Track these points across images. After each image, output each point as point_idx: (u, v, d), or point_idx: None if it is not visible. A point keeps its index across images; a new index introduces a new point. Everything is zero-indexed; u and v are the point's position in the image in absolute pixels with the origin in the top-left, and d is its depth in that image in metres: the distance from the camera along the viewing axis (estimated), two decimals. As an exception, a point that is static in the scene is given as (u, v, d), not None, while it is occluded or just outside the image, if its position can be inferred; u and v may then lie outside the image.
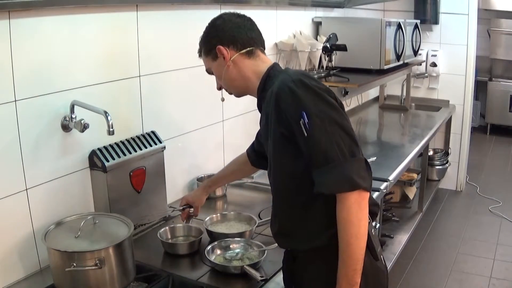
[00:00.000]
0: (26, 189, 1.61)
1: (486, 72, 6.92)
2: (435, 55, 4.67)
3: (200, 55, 1.57)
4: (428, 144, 3.77)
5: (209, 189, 2.02)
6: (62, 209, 1.72)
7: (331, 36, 2.93)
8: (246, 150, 1.92)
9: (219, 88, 1.60)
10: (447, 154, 4.74)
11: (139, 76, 2.02)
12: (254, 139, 1.89)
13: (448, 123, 4.68)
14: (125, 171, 1.88)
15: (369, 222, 1.37)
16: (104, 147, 1.84)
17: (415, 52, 3.86)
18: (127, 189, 1.90)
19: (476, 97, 6.54)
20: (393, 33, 3.32)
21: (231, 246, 1.78)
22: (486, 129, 6.98)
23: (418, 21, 3.86)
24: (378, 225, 1.55)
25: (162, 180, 2.08)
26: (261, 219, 2.06)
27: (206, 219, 1.95)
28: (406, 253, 3.58)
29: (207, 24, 1.53)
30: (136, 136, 1.99)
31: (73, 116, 1.69)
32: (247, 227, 1.94)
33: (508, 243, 3.82)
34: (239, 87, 1.54)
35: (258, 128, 1.69)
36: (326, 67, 3.08)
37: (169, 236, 1.89)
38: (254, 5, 2.62)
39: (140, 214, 1.96)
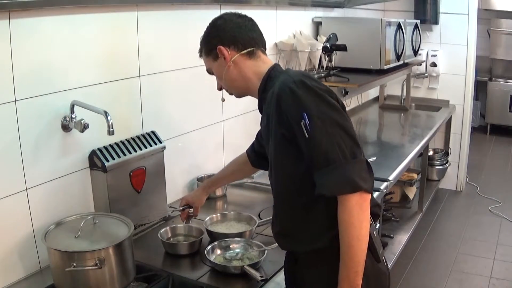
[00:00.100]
0: (26, 189, 1.61)
1: (486, 72, 6.92)
2: (435, 55, 4.67)
3: (200, 55, 1.57)
4: (428, 144, 3.77)
5: (208, 189, 2.02)
6: (62, 209, 1.72)
7: (331, 36, 2.93)
8: (246, 151, 1.92)
9: (220, 89, 1.59)
10: (447, 154, 4.74)
11: (139, 76, 2.02)
12: (254, 139, 1.89)
13: (448, 123, 4.68)
14: (125, 171, 1.88)
15: (370, 224, 1.37)
16: (104, 147, 1.84)
17: (415, 52, 3.86)
18: (127, 189, 1.90)
19: (476, 97, 6.54)
20: (393, 33, 3.32)
21: (231, 246, 1.78)
22: (486, 129, 6.98)
23: (418, 21, 3.86)
24: (378, 225, 1.55)
25: (162, 180, 2.08)
26: (261, 219, 2.06)
27: (206, 219, 1.95)
28: (406, 253, 3.58)
29: (208, 24, 1.52)
30: (136, 136, 1.99)
31: (73, 116, 1.69)
32: (247, 227, 1.94)
33: (508, 243, 3.82)
34: (239, 88, 1.54)
35: (258, 128, 1.69)
36: (326, 67, 3.08)
37: (170, 236, 1.89)
38: (254, 5, 2.62)
39: (140, 214, 1.96)
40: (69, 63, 1.71)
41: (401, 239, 3.58)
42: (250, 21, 1.51)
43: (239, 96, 1.58)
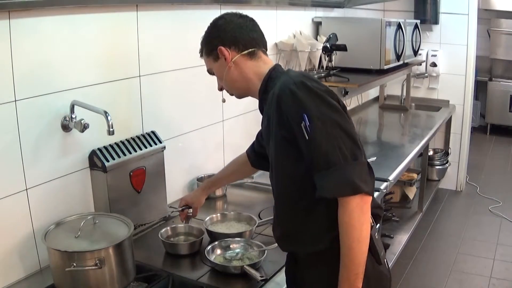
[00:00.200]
0: (26, 189, 1.61)
1: (486, 72, 6.92)
2: (435, 55, 4.67)
3: (201, 55, 1.56)
4: (428, 144, 3.77)
5: (208, 190, 2.02)
6: (62, 209, 1.72)
7: (331, 36, 2.93)
8: (246, 151, 1.92)
9: (220, 89, 1.59)
10: (447, 154, 4.74)
11: (139, 76, 2.02)
12: (254, 139, 1.89)
13: (448, 123, 4.68)
14: (125, 171, 1.88)
15: (372, 226, 1.36)
16: (104, 147, 1.84)
17: (415, 52, 3.86)
18: (127, 189, 1.90)
19: (476, 97, 6.54)
20: (393, 33, 3.32)
21: (231, 246, 1.78)
22: (486, 129, 6.98)
23: (418, 21, 3.86)
24: (378, 225, 1.53)
25: (162, 180, 2.08)
26: (261, 219, 2.06)
27: (206, 219, 1.95)
28: (406, 253, 3.58)
29: (208, 24, 1.52)
30: (136, 136, 1.99)
31: (73, 116, 1.69)
32: (247, 227, 1.94)
33: (508, 243, 3.82)
34: (240, 89, 1.53)
35: (258, 128, 1.69)
36: (326, 67, 3.08)
37: (170, 236, 1.89)
38: (254, 5, 2.62)
39: (140, 214, 1.96)
40: (69, 63, 1.71)
41: (401, 239, 3.58)
42: (251, 21, 1.50)
43: (239, 97, 1.58)
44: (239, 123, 2.68)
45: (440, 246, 3.82)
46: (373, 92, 4.67)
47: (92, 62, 1.80)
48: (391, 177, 2.58)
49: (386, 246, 1.54)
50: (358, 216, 1.26)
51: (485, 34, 6.56)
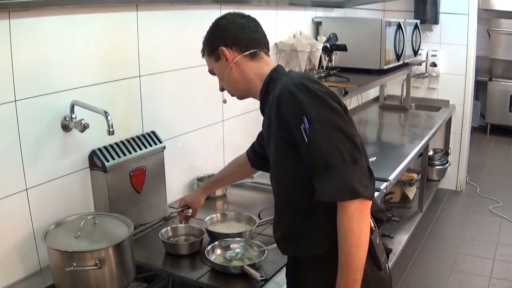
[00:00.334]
0: (26, 189, 1.61)
1: (486, 72, 6.93)
2: (435, 55, 4.67)
3: (203, 55, 1.55)
4: (428, 144, 3.77)
5: (208, 190, 2.02)
6: (62, 209, 1.72)
7: (331, 36, 2.93)
8: (246, 151, 1.92)
9: (222, 90, 1.57)
10: (447, 154, 4.74)
11: (139, 76, 2.02)
12: (254, 139, 1.89)
13: (448, 123, 4.68)
14: (125, 171, 1.88)
15: (374, 230, 1.35)
16: (104, 147, 1.84)
17: (415, 52, 3.86)
18: (127, 189, 1.90)
19: (476, 97, 6.54)
20: (393, 33, 3.32)
21: (231, 246, 1.78)
22: (486, 129, 6.98)
23: (418, 21, 3.86)
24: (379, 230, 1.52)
25: (162, 180, 2.08)
26: (261, 219, 2.06)
27: (206, 219, 1.95)
28: (406, 253, 3.58)
29: (211, 24, 1.51)
30: (136, 136, 1.99)
31: (73, 116, 1.69)
32: (247, 227, 1.94)
33: (508, 243, 3.82)
34: (241, 90, 1.52)
35: (258, 128, 1.69)
36: (326, 67, 3.08)
37: (170, 236, 1.89)
38: (254, 5, 2.62)
39: (140, 214, 1.96)
40: (69, 63, 1.71)
41: (401, 239, 3.58)
42: (254, 21, 1.49)
43: (241, 98, 1.57)
44: (239, 123, 2.68)
45: (440, 246, 3.82)
46: (373, 92, 4.67)
47: (92, 62, 1.80)
48: (391, 177, 2.58)
49: (388, 251, 1.51)
50: (357, 221, 1.24)
51: (485, 34, 6.56)
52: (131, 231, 1.54)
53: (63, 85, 1.70)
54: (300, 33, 3.13)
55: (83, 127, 1.68)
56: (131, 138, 1.96)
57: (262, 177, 2.42)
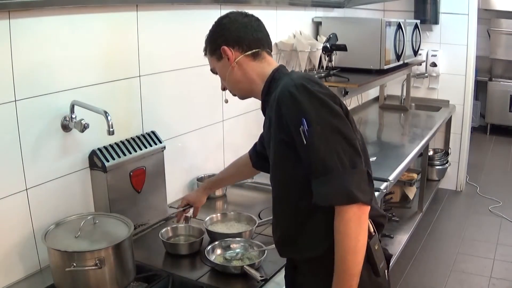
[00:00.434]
0: (26, 189, 1.61)
1: (486, 72, 6.93)
2: (435, 55, 4.67)
3: (205, 54, 1.53)
4: (428, 144, 3.77)
5: (209, 190, 2.02)
6: (62, 209, 1.72)
7: (331, 36, 2.93)
8: (248, 152, 1.91)
9: (224, 89, 1.56)
10: (447, 154, 4.74)
11: (139, 76, 2.02)
12: (254, 139, 1.88)
13: (448, 123, 4.68)
14: (125, 171, 1.88)
15: (373, 235, 1.34)
16: (104, 147, 1.84)
17: (415, 52, 3.86)
18: (127, 189, 1.90)
19: (476, 97, 6.54)
20: (393, 33, 3.32)
21: (231, 246, 1.78)
22: (486, 129, 6.98)
23: (418, 21, 3.86)
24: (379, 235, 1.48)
25: (162, 180, 2.08)
26: (261, 219, 2.06)
27: (206, 219, 1.95)
28: (406, 253, 3.58)
29: (213, 23, 1.50)
30: (136, 136, 1.99)
31: (73, 116, 1.69)
32: (247, 227, 1.94)
33: (508, 243, 3.82)
34: (243, 89, 1.50)
35: (258, 128, 1.69)
36: (326, 67, 3.08)
37: (170, 236, 1.89)
38: (254, 5, 2.62)
39: (140, 214, 1.96)
40: (69, 63, 1.71)
41: (401, 239, 3.58)
42: (257, 21, 1.47)
43: (242, 97, 1.55)
44: (239, 123, 2.68)
45: (440, 246, 3.82)
46: (373, 92, 4.67)
47: (92, 62, 1.80)
48: (391, 177, 2.58)
49: (388, 257, 1.50)
50: (354, 226, 1.22)
51: (485, 34, 6.56)
52: (131, 231, 1.54)
53: (63, 85, 1.70)
54: (300, 33, 3.13)
55: (83, 127, 1.68)
56: (131, 138, 1.96)
57: (262, 177, 2.42)
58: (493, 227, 4.09)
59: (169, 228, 1.90)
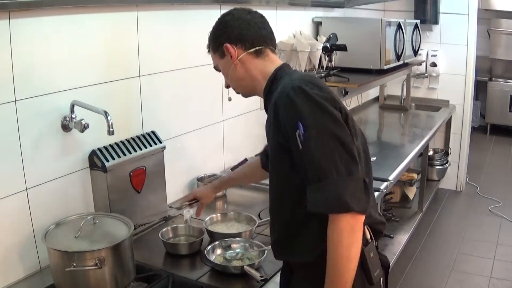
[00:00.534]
0: (26, 189, 1.61)
1: (486, 72, 6.92)
2: (435, 55, 4.67)
3: (208, 51, 1.52)
4: (428, 144, 3.77)
5: (218, 189, 2.02)
6: (62, 209, 1.72)
7: (331, 36, 2.93)
8: (259, 152, 1.89)
9: (227, 87, 1.54)
10: (447, 154, 4.74)
11: (139, 76, 2.02)
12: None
13: (448, 123, 4.68)
14: (125, 171, 1.88)
15: (369, 242, 1.32)
16: (104, 147, 1.84)
17: (415, 52, 3.86)
18: (127, 189, 1.90)
19: (476, 97, 6.54)
20: (393, 33, 3.32)
21: (231, 246, 1.78)
22: (486, 129, 6.98)
23: (418, 21, 3.86)
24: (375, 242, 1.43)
25: (162, 180, 2.08)
26: (261, 219, 2.06)
27: (206, 219, 1.95)
28: (406, 253, 3.58)
29: (214, 21, 1.49)
30: (136, 136, 1.99)
31: (73, 116, 1.69)
32: (247, 227, 1.94)
33: (508, 243, 3.82)
34: (246, 87, 1.49)
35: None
36: (326, 67, 3.08)
37: (170, 236, 1.89)
38: (254, 5, 2.62)
39: (140, 214, 1.96)
40: (69, 63, 1.71)
41: (401, 239, 3.58)
42: (260, 17, 1.45)
43: (245, 95, 1.53)
44: (239, 123, 2.68)
45: (440, 246, 3.82)
46: (373, 92, 4.67)
47: (92, 62, 1.80)
48: (391, 177, 2.58)
49: (386, 265, 1.44)
50: (348, 235, 1.19)
51: (485, 34, 6.56)
52: (131, 231, 1.54)
53: (63, 85, 1.70)
54: (300, 33, 3.13)
55: (83, 127, 1.68)
56: (131, 138, 1.96)
57: (262, 177, 2.42)
58: (493, 227, 4.09)
59: (169, 228, 1.90)
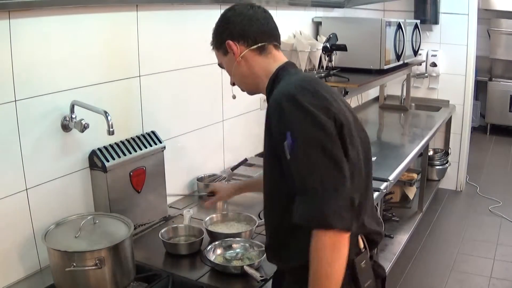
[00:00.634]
0: (26, 189, 1.61)
1: (486, 72, 6.93)
2: (435, 55, 4.67)
3: (212, 48, 1.49)
4: (428, 144, 3.77)
5: (240, 190, 2.01)
6: (62, 209, 1.72)
7: (331, 36, 2.93)
8: None
9: (233, 84, 1.50)
10: (447, 154, 4.74)
11: (139, 76, 2.02)
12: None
13: (448, 123, 4.68)
14: (125, 171, 1.88)
15: (362, 252, 1.29)
16: (104, 147, 1.84)
17: (415, 52, 3.86)
18: (127, 189, 1.90)
19: (476, 97, 6.54)
20: (393, 33, 3.32)
21: (231, 246, 1.78)
22: (486, 129, 6.98)
23: (418, 21, 3.86)
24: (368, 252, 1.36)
25: (162, 180, 2.08)
26: (261, 219, 2.05)
27: (206, 219, 1.95)
28: (406, 253, 3.58)
29: (214, 21, 1.47)
30: (136, 136, 1.99)
31: (73, 116, 1.69)
32: (247, 227, 1.94)
33: (508, 243, 3.82)
34: (249, 85, 1.46)
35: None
36: (326, 67, 3.08)
37: (170, 236, 1.89)
38: (254, 5, 2.62)
39: (140, 214, 1.96)
40: (69, 63, 1.71)
41: (401, 239, 3.58)
42: (264, 12, 1.41)
43: (250, 93, 1.50)
44: (239, 123, 2.68)
45: (440, 246, 3.82)
46: (373, 92, 4.67)
47: (92, 62, 1.80)
48: (391, 177, 2.58)
49: (381, 275, 1.40)
50: (329, 253, 1.14)
51: (485, 34, 6.56)
52: (131, 231, 1.54)
53: (63, 85, 1.70)
54: (300, 33, 3.13)
55: (83, 127, 1.68)
56: (131, 138, 1.96)
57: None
58: (493, 227, 4.09)
59: (169, 228, 1.90)
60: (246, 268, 1.61)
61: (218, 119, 2.55)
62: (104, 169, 1.79)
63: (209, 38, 1.48)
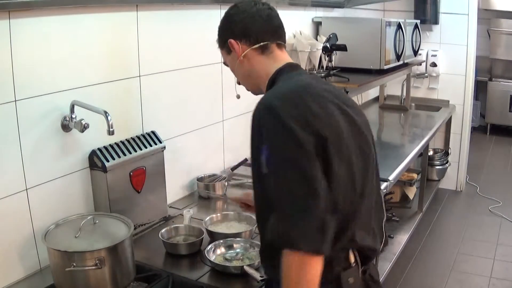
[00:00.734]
0: (26, 189, 1.61)
1: (486, 72, 6.92)
2: (435, 55, 4.67)
3: (218, 46, 1.46)
4: (428, 144, 3.77)
5: None
6: (62, 209, 1.72)
7: (331, 36, 2.93)
8: None
9: (239, 83, 1.48)
10: (447, 154, 4.74)
11: (139, 76, 2.02)
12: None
13: (448, 123, 4.68)
14: (125, 171, 1.88)
15: (352, 267, 1.24)
16: (104, 147, 1.84)
17: (415, 52, 3.86)
18: (127, 189, 1.90)
19: (476, 97, 6.54)
20: (393, 33, 3.32)
21: (231, 246, 1.78)
22: (486, 129, 6.98)
23: (418, 21, 3.86)
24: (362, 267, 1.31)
25: (162, 180, 2.08)
26: (261, 219, 2.06)
27: (206, 219, 1.95)
28: (406, 253, 3.58)
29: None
30: (136, 136, 1.99)
31: (73, 116, 1.69)
32: (247, 227, 1.94)
33: (508, 243, 3.82)
34: (252, 84, 1.43)
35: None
36: (326, 67, 3.08)
37: (170, 236, 1.89)
38: (254, 5, 2.62)
39: (140, 214, 1.96)
40: (69, 63, 1.71)
41: (401, 239, 3.58)
42: (268, 10, 1.39)
43: (254, 92, 1.46)
44: (239, 123, 2.68)
45: (440, 246, 3.82)
46: (373, 92, 4.67)
47: (92, 62, 1.80)
48: (391, 177, 2.58)
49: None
50: (295, 273, 1.10)
51: (485, 34, 6.56)
52: (131, 231, 1.54)
53: (63, 85, 1.70)
54: (300, 33, 3.13)
55: (83, 127, 1.68)
56: (131, 138, 1.96)
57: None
58: (493, 227, 4.09)
59: (169, 228, 1.90)
60: (246, 268, 1.61)
61: (218, 119, 2.55)
62: (104, 169, 1.79)
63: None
